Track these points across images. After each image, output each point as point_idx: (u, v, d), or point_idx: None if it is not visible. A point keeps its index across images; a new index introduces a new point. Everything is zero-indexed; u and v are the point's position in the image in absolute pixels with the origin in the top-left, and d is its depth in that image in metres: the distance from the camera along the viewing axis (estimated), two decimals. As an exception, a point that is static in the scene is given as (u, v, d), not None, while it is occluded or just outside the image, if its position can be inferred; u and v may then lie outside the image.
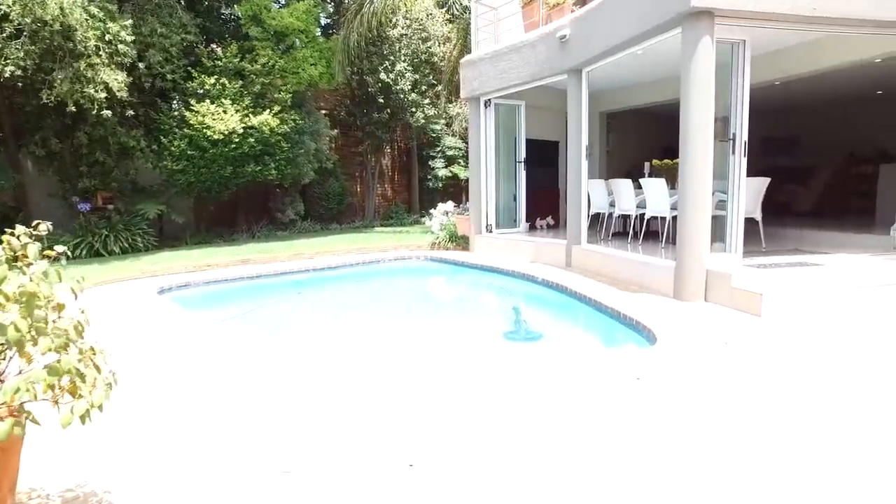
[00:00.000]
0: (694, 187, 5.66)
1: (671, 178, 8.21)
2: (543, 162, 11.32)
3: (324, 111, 15.52)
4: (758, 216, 7.26)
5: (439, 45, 15.71)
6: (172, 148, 11.36)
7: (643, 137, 13.12)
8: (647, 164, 8.91)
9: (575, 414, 3.09)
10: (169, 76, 11.18)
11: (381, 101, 15.08)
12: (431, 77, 15.80)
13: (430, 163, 17.76)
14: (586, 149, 7.87)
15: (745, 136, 5.91)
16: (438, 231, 11.17)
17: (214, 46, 13.38)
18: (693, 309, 5.39)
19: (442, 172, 17.34)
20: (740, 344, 4.23)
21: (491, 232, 10.14)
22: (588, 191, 8.85)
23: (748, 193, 7.06)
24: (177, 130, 11.44)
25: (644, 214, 8.06)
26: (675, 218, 7.50)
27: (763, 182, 7.38)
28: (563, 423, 2.98)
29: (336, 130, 15.38)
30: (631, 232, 8.61)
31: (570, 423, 2.97)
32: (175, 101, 12.21)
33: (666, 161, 8.88)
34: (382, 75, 14.65)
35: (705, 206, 5.69)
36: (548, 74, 8.34)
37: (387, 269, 9.73)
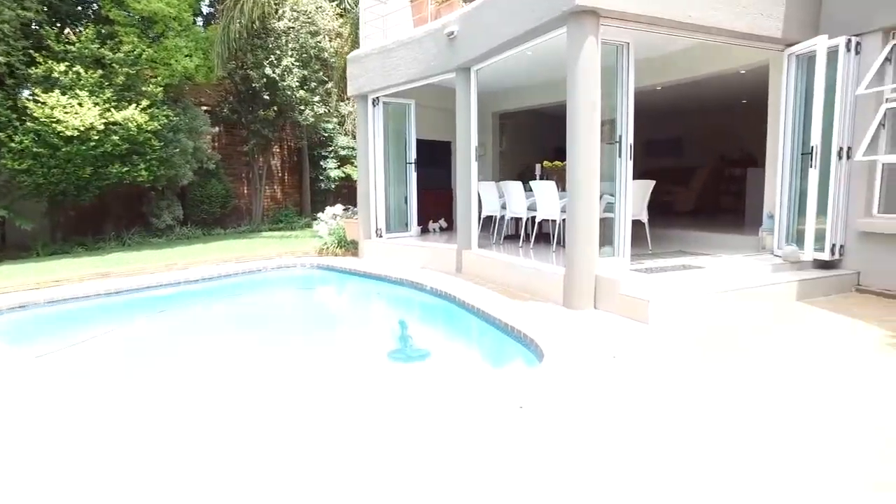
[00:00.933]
0: (582, 190, 5.52)
1: (562, 179, 8.18)
2: (436, 163, 11.01)
3: (205, 107, 14.32)
4: (644, 218, 7.35)
5: (330, 41, 15.00)
6: (13, 144, 9.86)
7: (537, 138, 13.21)
8: (538, 166, 8.84)
9: (449, 456, 2.71)
10: (2, 59, 9.67)
11: (267, 97, 14.13)
12: (322, 74, 15.05)
13: (322, 163, 16.98)
14: (476, 150, 7.62)
15: (631, 139, 5.88)
16: (326, 236, 10.54)
17: (68, 31, 11.88)
18: (582, 318, 5.24)
19: (334, 173, 16.64)
20: (628, 357, 4.07)
21: (381, 236, 9.67)
22: (480, 193, 8.64)
23: (635, 196, 7.12)
24: (17, 124, 9.95)
25: (536, 217, 7.96)
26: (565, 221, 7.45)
27: (648, 184, 7.49)
28: (433, 468, 2.59)
29: (217, 128, 14.24)
30: (522, 235, 8.49)
31: (442, 469, 2.58)
32: (15, 90, 10.62)
33: (556, 162, 8.85)
34: (268, 70, 13.72)
35: (593, 210, 5.57)
36: (436, 72, 8.00)
37: (268, 279, 8.97)
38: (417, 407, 3.36)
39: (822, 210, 6.14)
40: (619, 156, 5.93)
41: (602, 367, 3.86)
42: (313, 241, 11.02)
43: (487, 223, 8.74)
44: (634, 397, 3.35)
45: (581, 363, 3.93)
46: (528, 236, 8.30)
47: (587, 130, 5.45)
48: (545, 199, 7.45)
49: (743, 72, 9.25)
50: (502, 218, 8.54)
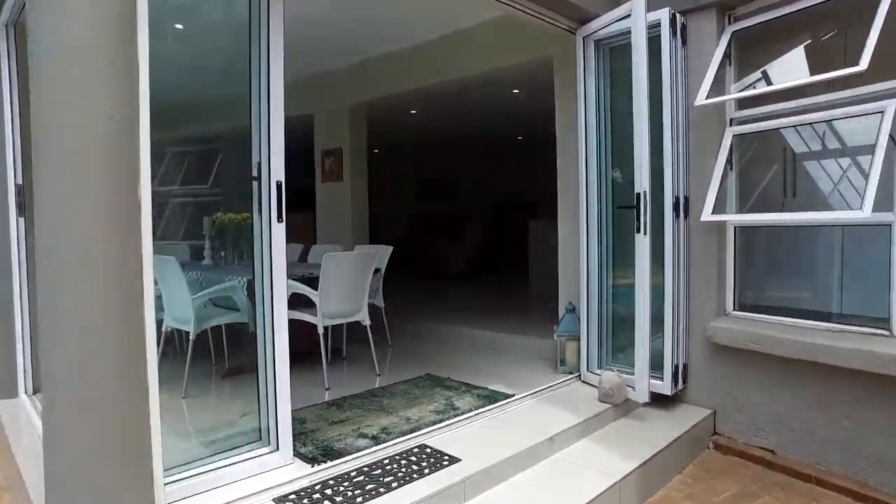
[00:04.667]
0: (57, 283, 1.89)
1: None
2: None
3: None
4: (365, 320, 4.08)
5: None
6: None
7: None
8: (205, 221, 5.16)
9: None
10: None
11: None
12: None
13: None
14: (17, 192, 3.67)
15: (280, 175, 2.50)
16: None
17: None
18: None
19: None
20: None
21: None
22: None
23: (345, 280, 3.82)
24: None
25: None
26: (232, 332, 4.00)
27: (378, 256, 4.29)
28: None
29: None
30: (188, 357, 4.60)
31: None
32: None
33: (243, 214, 5.27)
34: None
35: (142, 333, 2.11)
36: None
37: None
38: None
39: (657, 307, 3.44)
40: (260, 210, 2.52)
41: None
42: None
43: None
44: None
45: None
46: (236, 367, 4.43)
47: (92, 145, 1.88)
48: (169, 291, 3.77)
49: (517, 91, 6.88)
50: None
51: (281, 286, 2.51)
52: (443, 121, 9.21)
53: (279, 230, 2.47)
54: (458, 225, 10.51)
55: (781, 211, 3.32)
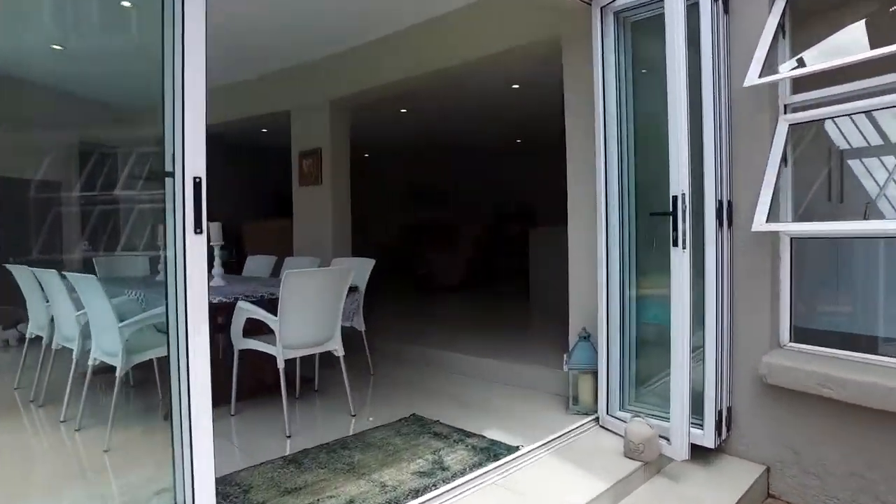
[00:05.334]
0: None
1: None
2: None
3: None
4: (338, 350, 3.37)
5: None
6: None
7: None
8: (160, 229, 4.47)
9: None
10: None
11: None
12: None
13: None
14: None
15: (201, 170, 1.81)
16: None
17: None
18: None
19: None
20: None
21: None
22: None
23: (314, 299, 3.14)
24: None
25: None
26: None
27: (352, 273, 3.59)
28: None
29: None
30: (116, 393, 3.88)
31: None
32: None
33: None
34: None
35: None
36: None
37: None
38: None
39: (695, 336, 2.76)
40: (174, 216, 1.83)
41: None
42: None
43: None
44: None
45: None
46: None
47: None
48: (91, 315, 3.08)
49: (517, 86, 6.24)
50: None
51: (199, 316, 1.81)
52: (436, 122, 8.58)
53: (197, 243, 1.78)
54: (453, 233, 9.83)
55: (866, 218, 2.65)
